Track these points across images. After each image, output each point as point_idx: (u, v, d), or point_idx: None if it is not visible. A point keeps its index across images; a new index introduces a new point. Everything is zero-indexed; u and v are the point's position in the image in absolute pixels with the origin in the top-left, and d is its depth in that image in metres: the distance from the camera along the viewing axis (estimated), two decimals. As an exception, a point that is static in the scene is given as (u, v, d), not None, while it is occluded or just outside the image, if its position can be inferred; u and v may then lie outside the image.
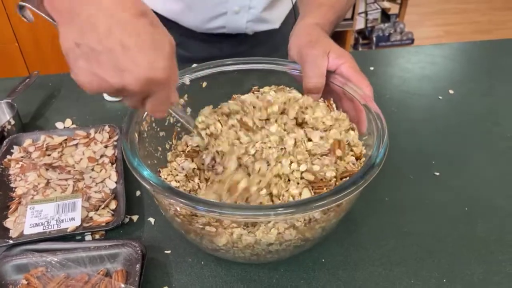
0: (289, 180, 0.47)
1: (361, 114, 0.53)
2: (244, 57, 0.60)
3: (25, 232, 0.53)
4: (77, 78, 0.38)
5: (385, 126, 0.48)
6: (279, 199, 0.46)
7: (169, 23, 0.89)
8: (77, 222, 0.54)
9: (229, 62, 0.59)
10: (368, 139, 0.52)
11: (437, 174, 0.65)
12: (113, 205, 0.58)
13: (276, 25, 0.92)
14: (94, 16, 0.35)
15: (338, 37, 2.60)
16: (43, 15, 0.42)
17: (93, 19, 0.35)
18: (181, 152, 0.57)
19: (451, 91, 0.85)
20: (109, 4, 0.36)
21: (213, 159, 0.50)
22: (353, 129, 0.55)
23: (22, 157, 0.64)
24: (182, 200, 0.39)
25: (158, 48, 0.37)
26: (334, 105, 0.58)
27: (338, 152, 0.49)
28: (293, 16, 0.91)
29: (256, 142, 0.49)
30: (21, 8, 0.45)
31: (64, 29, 0.37)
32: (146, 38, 0.36)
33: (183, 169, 0.54)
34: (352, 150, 0.52)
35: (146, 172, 0.42)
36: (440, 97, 0.84)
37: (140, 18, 0.37)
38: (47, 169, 0.61)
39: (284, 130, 0.52)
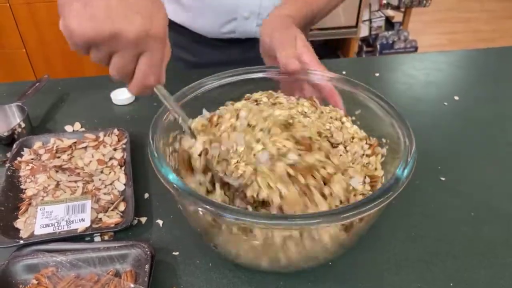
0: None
1: (334, 95, 0.57)
2: (252, 62, 0.61)
3: (36, 233, 0.53)
4: (67, 23, 0.35)
5: (414, 143, 0.47)
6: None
7: (177, 28, 0.91)
8: (87, 223, 0.55)
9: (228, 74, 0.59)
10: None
11: (443, 179, 0.65)
12: (122, 207, 0.58)
13: None
14: None
15: (342, 44, 2.62)
16: None
17: None
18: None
19: (456, 97, 0.86)
20: None
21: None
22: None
23: (32, 159, 0.65)
24: (207, 206, 0.38)
25: (158, 7, 0.36)
26: (317, 102, 0.60)
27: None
28: None
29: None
30: None
31: None
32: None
33: None
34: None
35: (172, 176, 0.42)
36: (446, 103, 0.84)
37: None
38: (57, 171, 0.62)
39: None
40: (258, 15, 0.85)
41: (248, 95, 0.61)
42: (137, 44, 0.36)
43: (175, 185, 0.41)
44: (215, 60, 0.92)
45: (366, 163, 0.54)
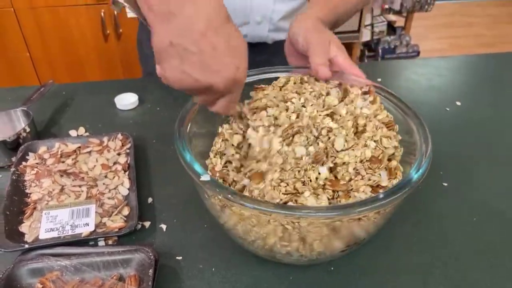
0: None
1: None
2: (262, 66, 0.62)
3: (40, 237, 0.54)
4: (165, 75, 0.41)
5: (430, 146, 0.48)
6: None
7: None
8: (91, 228, 0.55)
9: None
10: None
11: (445, 184, 0.66)
12: (125, 211, 0.59)
13: None
14: (193, 18, 0.38)
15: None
16: (134, 12, 0.46)
17: (190, 21, 0.38)
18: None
19: (458, 103, 0.86)
20: (206, 8, 0.38)
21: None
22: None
23: (37, 163, 0.66)
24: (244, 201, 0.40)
25: (241, 51, 0.41)
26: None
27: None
28: None
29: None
30: (114, 2, 0.48)
31: (159, 28, 0.39)
32: (233, 42, 0.40)
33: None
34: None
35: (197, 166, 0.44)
36: (448, 109, 0.85)
37: (229, 22, 0.40)
38: (61, 176, 0.63)
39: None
40: (270, 20, 0.86)
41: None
42: (224, 91, 0.42)
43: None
44: None
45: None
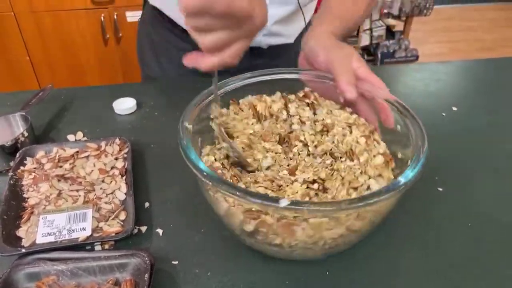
0: None
1: (386, 110, 0.57)
2: (262, 68, 0.64)
3: (37, 241, 0.54)
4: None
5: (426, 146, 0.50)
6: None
7: (187, 36, 0.92)
8: (88, 232, 0.55)
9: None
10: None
11: (440, 189, 0.66)
12: (122, 216, 0.59)
13: (290, 39, 0.94)
14: None
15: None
16: None
17: None
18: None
19: (454, 108, 0.87)
20: None
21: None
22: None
23: (35, 168, 0.66)
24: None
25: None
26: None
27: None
28: None
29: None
30: None
31: None
32: None
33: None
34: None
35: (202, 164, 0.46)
36: (444, 114, 0.85)
37: None
38: (59, 180, 0.63)
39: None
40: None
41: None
42: (245, 17, 0.42)
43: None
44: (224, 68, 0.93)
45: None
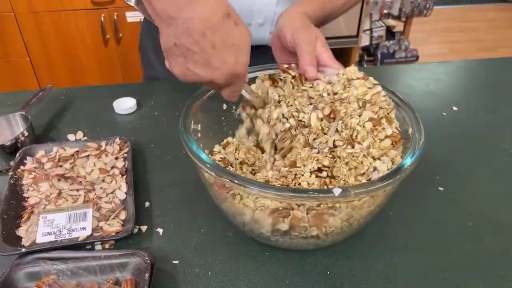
0: None
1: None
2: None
3: (37, 241, 0.54)
4: (173, 70, 0.46)
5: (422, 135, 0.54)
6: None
7: None
8: (88, 232, 0.55)
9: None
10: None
11: (441, 189, 0.66)
12: (122, 215, 0.59)
13: None
14: (190, 21, 0.42)
15: (343, 53, 2.63)
16: (144, 14, 0.51)
17: (189, 23, 0.42)
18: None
19: (454, 108, 0.87)
20: (202, 10, 0.42)
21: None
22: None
23: (35, 167, 0.66)
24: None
25: (241, 45, 0.44)
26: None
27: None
28: None
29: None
30: None
31: (164, 31, 0.44)
32: (231, 38, 0.43)
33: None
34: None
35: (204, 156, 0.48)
36: (444, 114, 0.85)
37: (227, 20, 0.43)
38: (59, 180, 0.63)
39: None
40: (272, 22, 0.87)
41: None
42: (225, 84, 0.47)
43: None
44: None
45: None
